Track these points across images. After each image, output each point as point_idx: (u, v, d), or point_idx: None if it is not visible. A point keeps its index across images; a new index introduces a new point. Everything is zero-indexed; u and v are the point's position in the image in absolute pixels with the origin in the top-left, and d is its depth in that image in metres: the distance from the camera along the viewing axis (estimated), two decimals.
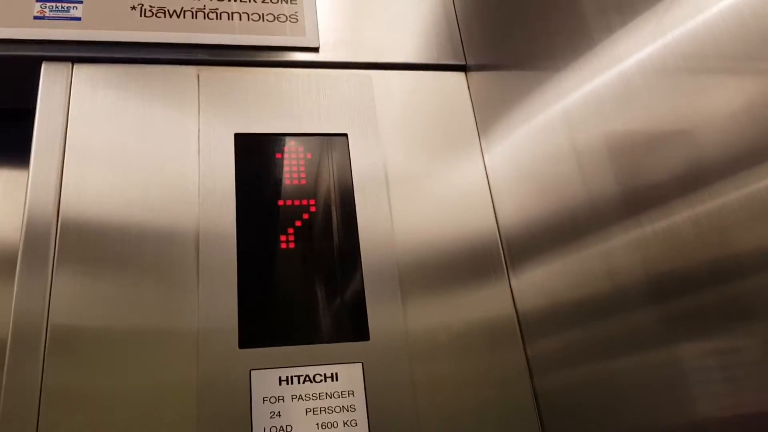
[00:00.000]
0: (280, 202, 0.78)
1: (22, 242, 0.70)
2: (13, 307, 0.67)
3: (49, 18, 0.81)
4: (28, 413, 0.63)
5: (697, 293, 0.48)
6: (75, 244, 0.71)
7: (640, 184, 0.53)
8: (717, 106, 0.44)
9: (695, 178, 0.47)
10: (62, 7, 0.81)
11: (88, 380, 0.66)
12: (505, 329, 0.76)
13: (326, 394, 0.70)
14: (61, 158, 0.75)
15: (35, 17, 0.81)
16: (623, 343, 0.57)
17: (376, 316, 0.74)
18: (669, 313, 0.51)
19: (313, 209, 0.78)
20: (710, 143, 0.45)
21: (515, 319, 0.76)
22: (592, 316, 0.62)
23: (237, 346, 0.70)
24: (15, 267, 0.69)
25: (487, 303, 0.77)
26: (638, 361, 0.55)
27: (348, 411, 0.69)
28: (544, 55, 0.68)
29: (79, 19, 0.81)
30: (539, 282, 0.72)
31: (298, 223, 0.77)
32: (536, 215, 0.72)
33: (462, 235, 0.80)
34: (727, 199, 0.44)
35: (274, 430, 0.67)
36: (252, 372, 0.69)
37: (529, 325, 0.75)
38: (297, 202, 0.78)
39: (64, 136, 0.76)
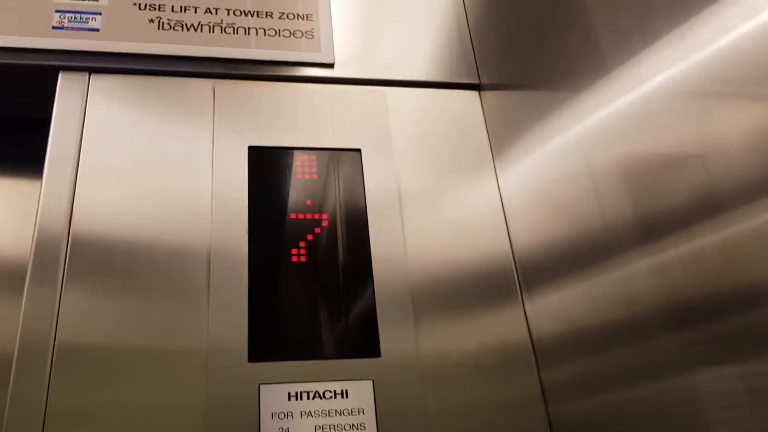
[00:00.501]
0: (292, 216, 0.78)
1: (31, 257, 0.69)
2: (20, 322, 0.66)
3: (67, 28, 0.81)
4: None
5: (720, 318, 0.47)
6: (85, 260, 0.70)
7: (662, 209, 0.52)
8: (743, 129, 0.44)
9: (718, 203, 0.46)
10: (81, 18, 0.82)
11: (95, 399, 0.65)
12: (519, 354, 0.75)
13: (336, 411, 0.69)
14: (74, 171, 0.74)
15: (54, 27, 0.81)
16: (642, 370, 0.56)
17: (388, 335, 0.73)
18: (690, 339, 0.50)
19: (325, 223, 0.78)
20: (736, 167, 0.44)
21: (530, 344, 0.75)
22: (609, 343, 0.61)
23: (246, 359, 0.69)
24: (22, 280, 0.68)
25: (500, 327, 0.76)
26: (658, 388, 0.54)
27: (358, 429, 0.68)
28: (561, 76, 0.68)
29: (97, 30, 0.82)
30: (554, 307, 0.71)
31: (309, 237, 0.77)
32: (552, 239, 0.71)
33: (475, 258, 0.79)
34: (752, 224, 0.43)
35: None
36: (261, 386, 0.69)
37: (543, 351, 0.73)
38: (309, 216, 0.78)
39: (78, 148, 0.76)
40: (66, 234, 0.71)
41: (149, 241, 0.73)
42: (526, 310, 0.76)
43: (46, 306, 0.67)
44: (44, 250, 0.70)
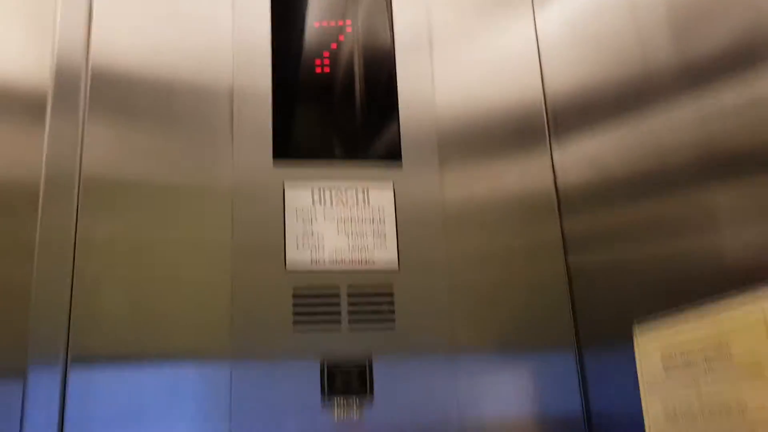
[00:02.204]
0: (316, 24, 0.76)
1: (51, 90, 0.68)
2: (44, 155, 0.66)
3: None
4: (63, 264, 0.63)
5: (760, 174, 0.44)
6: (106, 94, 0.69)
7: (706, 52, 0.48)
8: None
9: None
10: None
11: (123, 230, 0.66)
12: (542, 202, 0.73)
13: (357, 206, 0.71)
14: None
15: None
16: (670, 223, 0.54)
17: (409, 137, 0.74)
18: (727, 191, 0.48)
19: (349, 29, 0.77)
20: None
21: (554, 192, 0.73)
22: (639, 193, 0.59)
23: (271, 163, 0.70)
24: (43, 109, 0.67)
25: (526, 174, 0.74)
26: (685, 244, 0.52)
27: (378, 224, 0.70)
28: None
29: None
30: (585, 154, 0.68)
31: (333, 46, 0.76)
32: (589, 82, 0.67)
33: (505, 102, 0.76)
34: None
35: (306, 239, 0.69)
36: (285, 182, 0.70)
37: (569, 199, 0.71)
38: (332, 23, 0.76)
39: None
40: (84, 67, 0.69)
41: (170, 69, 0.72)
42: (554, 157, 0.74)
43: (70, 138, 0.67)
44: (64, 83, 0.69)
